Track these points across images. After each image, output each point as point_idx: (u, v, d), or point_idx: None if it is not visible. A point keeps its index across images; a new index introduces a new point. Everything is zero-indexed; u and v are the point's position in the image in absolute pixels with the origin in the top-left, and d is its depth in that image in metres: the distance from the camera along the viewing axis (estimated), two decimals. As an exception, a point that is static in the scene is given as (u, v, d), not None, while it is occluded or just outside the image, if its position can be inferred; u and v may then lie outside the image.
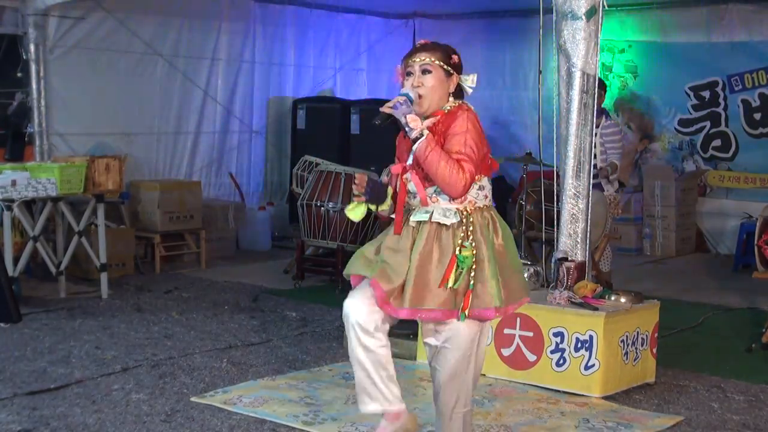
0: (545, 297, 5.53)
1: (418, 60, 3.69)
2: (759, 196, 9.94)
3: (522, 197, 7.64)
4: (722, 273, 9.49)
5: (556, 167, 5.84)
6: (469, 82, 3.75)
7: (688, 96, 10.68)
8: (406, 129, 3.60)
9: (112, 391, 5.30)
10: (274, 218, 10.96)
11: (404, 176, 3.72)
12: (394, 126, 3.72)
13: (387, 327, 3.71)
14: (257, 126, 11.18)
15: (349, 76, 12.09)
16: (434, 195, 3.66)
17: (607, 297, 5.54)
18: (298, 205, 8.49)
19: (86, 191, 7.76)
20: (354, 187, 3.76)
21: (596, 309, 5.32)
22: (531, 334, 5.47)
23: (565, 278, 5.57)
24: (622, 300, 5.54)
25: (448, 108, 3.70)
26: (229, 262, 9.81)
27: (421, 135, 3.56)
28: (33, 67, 8.83)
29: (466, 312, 3.60)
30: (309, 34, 11.52)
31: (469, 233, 3.61)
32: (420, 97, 3.67)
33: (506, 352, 5.58)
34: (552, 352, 5.39)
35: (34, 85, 8.87)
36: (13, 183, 7.24)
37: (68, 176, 7.57)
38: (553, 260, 5.76)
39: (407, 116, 3.58)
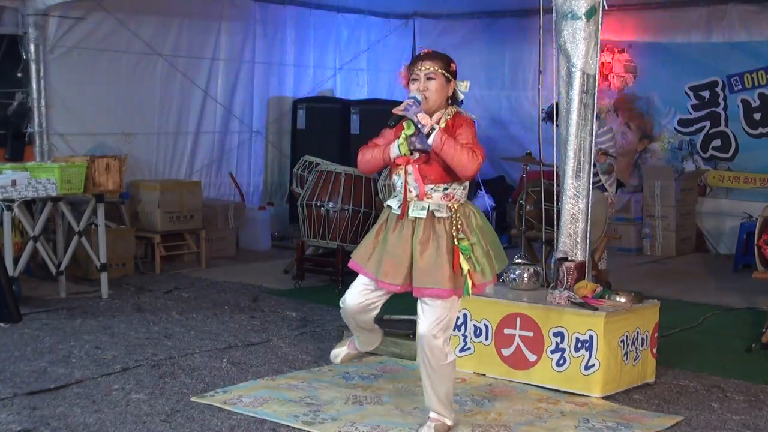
0: (545, 297, 5.53)
1: (423, 68, 4.28)
2: (759, 196, 9.94)
3: (522, 197, 7.63)
4: (722, 273, 9.49)
5: (556, 167, 5.84)
6: (463, 87, 4.36)
7: (688, 96, 10.68)
8: (419, 126, 4.18)
9: (112, 391, 5.29)
10: (274, 218, 10.96)
11: (407, 167, 4.30)
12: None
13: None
14: (257, 126, 11.17)
15: (349, 76, 12.10)
16: (429, 192, 4.29)
17: (607, 297, 5.54)
18: (298, 205, 8.48)
19: (86, 191, 7.75)
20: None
21: (596, 309, 5.32)
22: (531, 334, 5.47)
23: (565, 278, 5.56)
24: (622, 300, 5.53)
25: (450, 115, 4.31)
26: (229, 262, 9.81)
27: (433, 129, 4.16)
28: (33, 67, 8.83)
29: (472, 290, 4.31)
30: (309, 34, 11.52)
31: (458, 226, 4.28)
32: (425, 98, 4.26)
33: (506, 352, 5.58)
34: (552, 352, 5.39)
35: (34, 85, 8.87)
36: (13, 183, 7.24)
37: (68, 176, 7.57)
38: (553, 260, 5.75)
39: (418, 115, 4.17)
